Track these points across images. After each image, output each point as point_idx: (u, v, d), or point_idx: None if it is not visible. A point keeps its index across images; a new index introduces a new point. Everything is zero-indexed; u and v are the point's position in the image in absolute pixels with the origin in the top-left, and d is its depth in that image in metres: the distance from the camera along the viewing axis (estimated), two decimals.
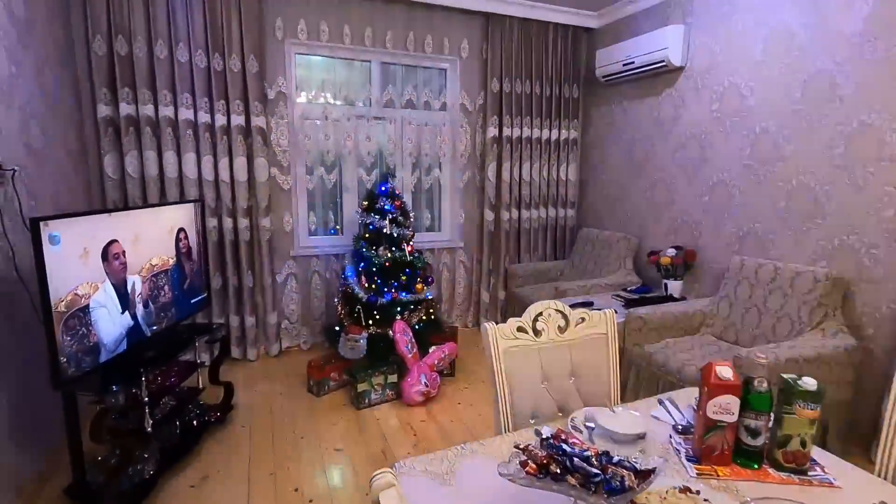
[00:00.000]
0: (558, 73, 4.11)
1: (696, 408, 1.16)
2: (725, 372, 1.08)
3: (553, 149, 4.22)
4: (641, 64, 3.47)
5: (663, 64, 3.33)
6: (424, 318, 3.18)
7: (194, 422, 2.43)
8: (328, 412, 2.79)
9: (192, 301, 2.56)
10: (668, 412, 1.33)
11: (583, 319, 1.42)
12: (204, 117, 3.14)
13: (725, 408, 1.07)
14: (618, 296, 3.36)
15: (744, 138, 2.96)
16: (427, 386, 2.85)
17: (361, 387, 2.79)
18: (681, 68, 3.36)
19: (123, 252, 2.05)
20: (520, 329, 1.35)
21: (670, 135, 3.50)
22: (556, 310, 1.39)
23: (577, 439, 0.94)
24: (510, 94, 3.95)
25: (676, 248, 3.35)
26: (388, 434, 2.56)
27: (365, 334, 2.96)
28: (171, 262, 2.39)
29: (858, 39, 2.37)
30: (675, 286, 3.29)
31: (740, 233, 3.02)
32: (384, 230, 3.05)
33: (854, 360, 2.35)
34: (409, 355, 2.89)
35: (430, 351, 3.09)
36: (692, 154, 3.33)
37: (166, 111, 3.04)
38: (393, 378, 2.90)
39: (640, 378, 2.77)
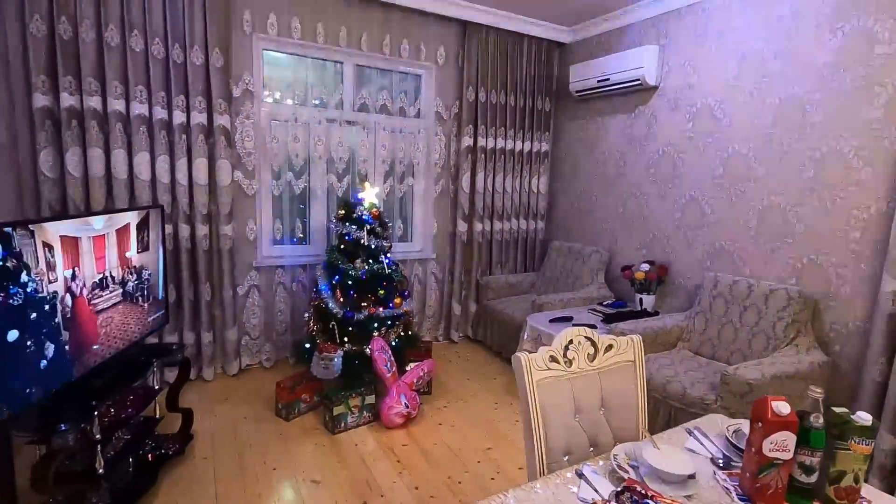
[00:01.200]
0: (532, 86, 4.12)
1: (746, 444, 1.11)
2: (783, 407, 1.03)
3: (525, 161, 4.21)
4: (616, 81, 3.53)
5: (638, 82, 3.39)
6: (402, 333, 3.03)
7: (149, 456, 2.15)
8: (300, 438, 2.57)
9: (151, 318, 2.28)
10: (701, 443, 1.28)
11: (610, 347, 1.35)
12: (160, 113, 2.84)
13: (782, 445, 1.03)
14: (594, 310, 3.36)
15: (717, 157, 3.07)
16: (407, 407, 2.70)
17: (337, 410, 2.60)
18: (655, 87, 3.44)
19: (73, 267, 1.77)
20: (552, 359, 1.26)
21: (643, 151, 3.58)
22: (586, 337, 1.32)
23: (654, 491, 0.86)
24: (485, 103, 3.90)
25: (649, 262, 3.41)
26: (369, 461, 2.39)
27: (340, 352, 2.77)
28: (126, 275, 2.11)
29: (828, 70, 2.51)
30: (648, 300, 3.35)
31: (712, 249, 3.12)
32: (362, 241, 2.88)
33: (825, 376, 2.46)
34: (389, 374, 2.73)
35: (409, 369, 2.94)
36: (665, 171, 3.41)
37: (116, 104, 2.72)
38: (370, 399, 2.73)
39: None
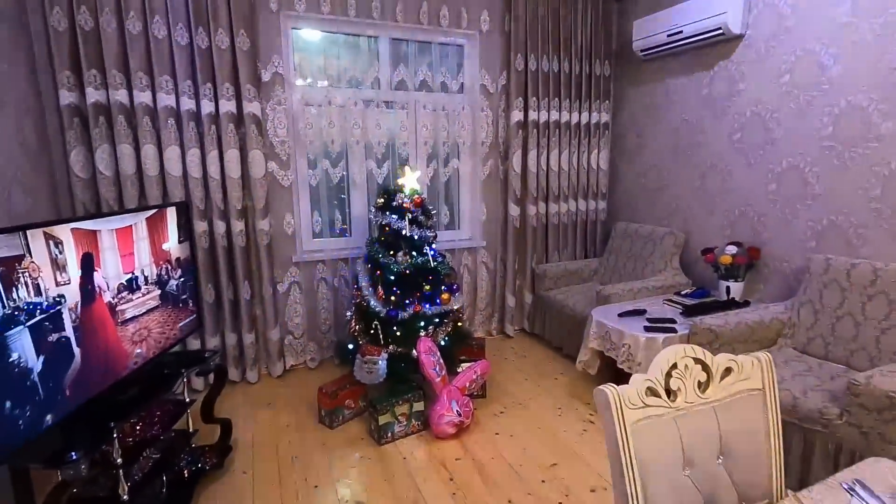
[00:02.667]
0: (588, 49, 3.65)
1: None
2: None
3: (583, 134, 3.77)
4: (691, 33, 3.01)
5: (720, 32, 2.87)
6: (451, 331, 2.75)
7: (185, 472, 2.00)
8: (344, 449, 2.36)
9: (181, 324, 2.12)
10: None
11: (729, 371, 0.99)
12: (188, 103, 2.67)
13: None
14: (670, 301, 2.93)
15: (824, 115, 2.52)
16: (460, 415, 2.42)
17: (383, 419, 2.37)
18: (740, 36, 2.90)
19: (94, 274, 1.60)
20: (650, 391, 0.91)
21: (726, 114, 3.05)
22: (695, 358, 0.96)
23: None
24: (536, 72, 3.49)
25: (736, 244, 2.92)
26: (419, 478, 2.14)
27: (384, 354, 2.53)
28: (154, 279, 1.94)
29: None
30: (736, 289, 2.87)
31: (818, 227, 2.59)
32: (403, 232, 2.60)
33: None
34: (438, 379, 2.46)
35: (460, 371, 2.66)
36: (754, 136, 2.89)
37: (143, 97, 2.57)
38: (419, 406, 2.48)
39: None
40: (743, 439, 0.98)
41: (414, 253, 2.65)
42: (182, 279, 2.15)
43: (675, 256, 3.30)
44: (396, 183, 2.74)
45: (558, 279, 3.66)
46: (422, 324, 2.63)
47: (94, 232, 1.67)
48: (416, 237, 2.63)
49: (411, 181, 2.72)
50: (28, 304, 1.39)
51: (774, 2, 2.70)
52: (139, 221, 1.90)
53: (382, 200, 2.70)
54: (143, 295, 1.89)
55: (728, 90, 3.02)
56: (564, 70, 3.58)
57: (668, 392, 0.94)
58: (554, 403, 2.76)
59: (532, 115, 3.53)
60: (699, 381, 0.97)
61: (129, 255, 1.82)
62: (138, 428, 1.78)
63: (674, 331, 2.49)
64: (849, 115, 2.42)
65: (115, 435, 1.55)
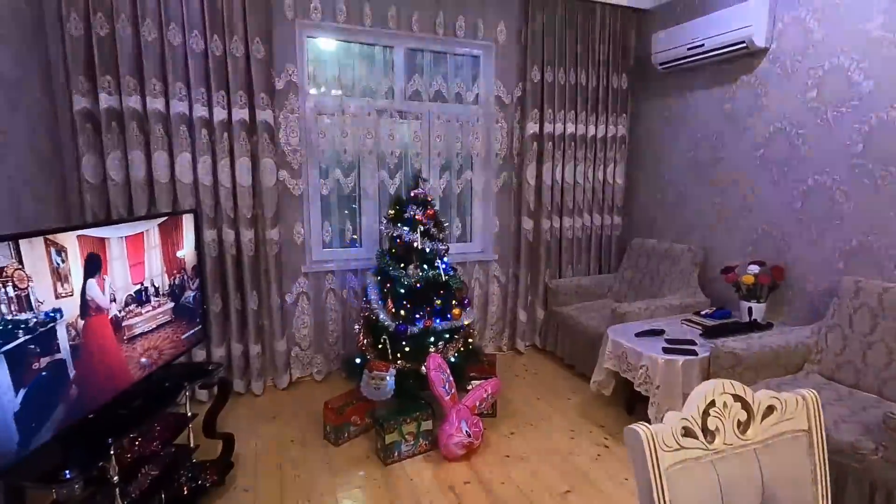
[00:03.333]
0: (606, 61, 3.59)
1: None
2: None
3: (599, 147, 3.70)
4: (714, 47, 2.94)
5: (744, 46, 2.80)
6: (462, 348, 2.67)
7: (185, 489, 1.94)
8: (350, 468, 2.28)
9: (185, 336, 2.06)
10: None
11: (771, 409, 0.90)
12: (200, 111, 2.65)
13: None
14: (689, 321, 2.82)
15: (854, 132, 2.43)
16: (469, 436, 2.33)
17: (390, 437, 2.29)
18: (764, 50, 2.82)
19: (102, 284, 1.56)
20: (686, 432, 0.83)
21: (748, 130, 2.97)
22: (734, 395, 0.88)
23: None
24: (552, 84, 3.44)
25: (758, 263, 2.82)
26: (426, 501, 2.05)
27: (393, 370, 2.45)
28: (166, 290, 1.89)
29: None
30: (758, 310, 2.76)
31: (847, 247, 2.49)
32: (415, 244, 2.54)
33: None
34: (447, 397, 2.38)
35: (470, 389, 2.58)
36: (778, 152, 2.80)
37: (156, 103, 2.56)
38: (427, 425, 2.40)
39: None
40: (787, 485, 0.90)
41: (425, 266, 2.59)
42: (194, 290, 2.10)
43: (694, 275, 3.20)
44: (410, 193, 2.67)
45: (572, 295, 3.57)
46: (431, 339, 2.56)
47: (103, 240, 1.62)
48: (427, 250, 2.57)
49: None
50: (8, 322, 1.29)
51: (801, 15, 2.63)
52: (151, 228, 1.86)
53: (394, 212, 2.64)
54: (154, 308, 1.84)
55: (751, 105, 2.94)
56: (581, 82, 3.53)
57: (706, 432, 0.85)
58: (567, 425, 2.66)
59: (547, 128, 3.47)
60: (739, 421, 0.88)
61: (140, 264, 1.77)
62: (137, 444, 1.72)
63: (694, 353, 2.39)
64: (881, 133, 2.32)
65: (112, 452, 1.49)
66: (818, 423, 0.92)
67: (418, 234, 2.55)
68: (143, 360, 1.78)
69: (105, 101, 2.47)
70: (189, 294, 2.04)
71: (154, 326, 1.84)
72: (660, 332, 2.64)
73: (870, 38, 2.34)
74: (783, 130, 2.77)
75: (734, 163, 3.07)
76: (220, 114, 2.68)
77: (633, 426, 0.81)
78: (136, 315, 1.75)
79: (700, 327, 2.71)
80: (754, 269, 2.78)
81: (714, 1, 3.09)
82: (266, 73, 2.76)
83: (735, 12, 2.80)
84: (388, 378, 2.44)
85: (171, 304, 1.96)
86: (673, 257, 3.27)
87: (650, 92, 3.68)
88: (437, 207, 2.76)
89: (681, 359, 2.34)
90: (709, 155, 3.24)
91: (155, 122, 2.56)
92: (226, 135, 2.72)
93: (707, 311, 2.85)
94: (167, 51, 2.54)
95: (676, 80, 3.43)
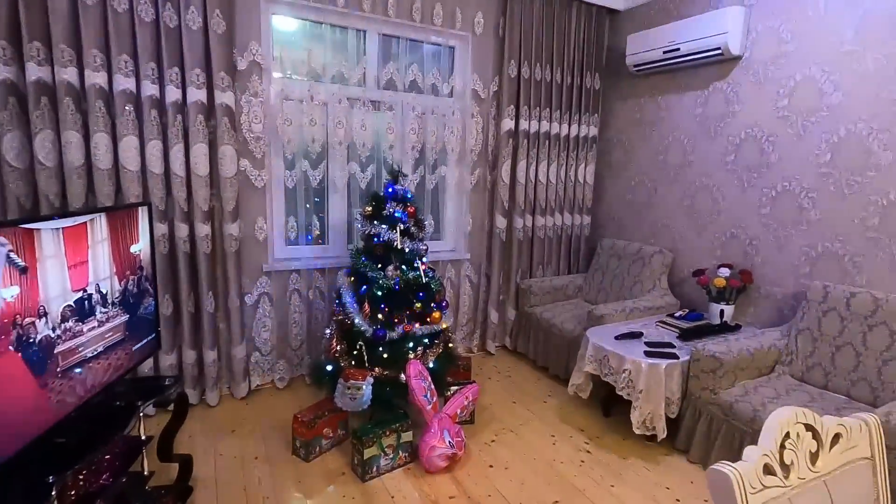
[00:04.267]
0: (580, 60, 3.56)
1: None
2: None
3: (572, 146, 3.68)
4: (689, 52, 2.97)
5: (719, 52, 2.84)
6: (441, 353, 2.55)
7: None
8: (323, 486, 2.10)
9: (136, 347, 1.80)
10: None
11: (837, 437, 0.85)
12: (150, 89, 2.34)
13: None
14: (664, 323, 2.85)
15: (822, 142, 2.52)
16: (452, 446, 2.22)
17: (369, 452, 2.13)
18: (737, 58, 2.88)
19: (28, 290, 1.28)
20: (766, 470, 0.75)
21: (719, 135, 3.03)
22: (806, 425, 0.81)
23: None
24: (529, 80, 3.36)
25: (727, 266, 2.89)
26: None
27: (370, 379, 2.29)
28: (110, 296, 1.62)
29: None
30: (727, 312, 2.83)
31: (813, 252, 2.59)
32: (395, 244, 2.38)
33: None
34: (429, 406, 2.25)
35: (449, 396, 2.47)
36: (748, 158, 2.87)
37: (96, 78, 2.22)
38: (407, 436, 2.26)
39: (712, 435, 2.26)
40: None
41: (404, 267, 2.43)
42: (152, 296, 1.83)
43: (664, 276, 3.25)
44: (389, 189, 2.50)
45: (543, 295, 3.54)
46: (411, 345, 2.41)
47: (31, 232, 1.33)
48: (407, 250, 2.41)
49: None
50: None
51: (775, 26, 2.70)
52: (96, 217, 1.58)
53: (371, 208, 2.46)
54: (101, 323, 1.57)
55: (722, 111, 3.00)
56: (556, 80, 3.48)
57: (783, 467, 0.78)
58: (547, 430, 2.60)
59: (523, 125, 3.39)
60: (810, 452, 0.82)
61: (82, 264, 1.50)
62: (83, 477, 1.46)
63: (675, 356, 2.40)
64: (848, 144, 2.42)
65: (53, 492, 1.24)
66: (881, 449, 0.87)
67: (398, 233, 2.39)
68: (85, 384, 1.52)
69: (33, 72, 2.11)
70: (148, 303, 1.77)
71: (101, 349, 1.57)
72: (638, 335, 2.64)
73: (840, 51, 2.43)
74: (754, 137, 2.84)
75: (704, 167, 3.13)
76: (173, 93, 2.38)
77: (719, 467, 0.72)
78: (74, 336, 1.47)
79: (675, 329, 2.74)
80: (725, 272, 2.84)
81: (689, 6, 3.13)
82: (227, 51, 2.49)
83: (712, 18, 2.83)
84: (364, 387, 2.27)
85: (125, 317, 1.68)
86: (644, 259, 3.30)
87: (622, 93, 3.69)
88: (417, 205, 2.60)
89: (664, 362, 2.34)
90: (679, 158, 3.29)
91: (95, 99, 2.23)
92: (179, 117, 2.42)
93: (680, 313, 2.90)
94: (111, 17, 2.21)
95: (649, 82, 3.46)
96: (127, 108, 2.30)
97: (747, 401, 2.15)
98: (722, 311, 2.79)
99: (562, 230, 3.76)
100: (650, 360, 2.35)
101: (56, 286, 1.40)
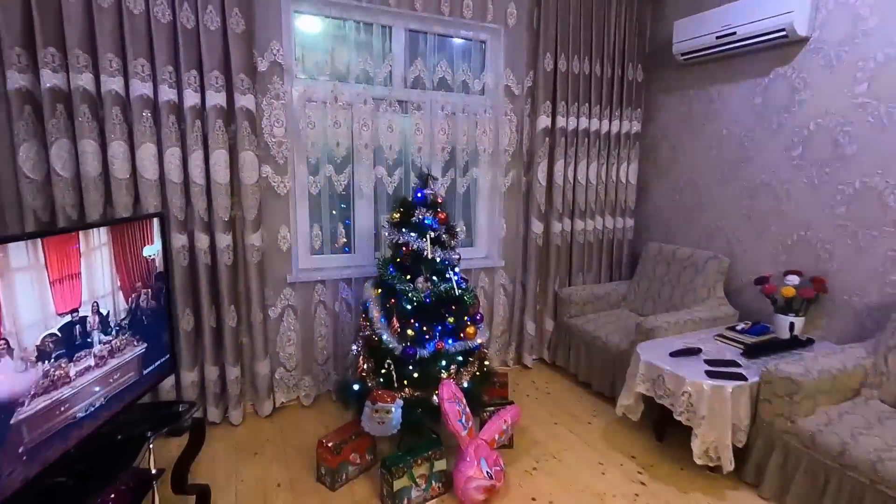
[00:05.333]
0: (620, 51, 3.30)
1: None
2: None
3: (612, 144, 3.41)
4: (746, 35, 2.68)
5: (783, 34, 2.54)
6: (477, 372, 2.34)
7: None
8: None
9: (147, 371, 1.66)
10: None
11: None
12: (168, 93, 2.23)
13: None
14: (722, 337, 2.56)
15: None
16: (491, 477, 2.00)
17: (399, 483, 1.94)
18: (804, 40, 2.58)
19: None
20: None
21: (782, 127, 2.72)
22: None
23: None
24: (566, 73, 3.13)
25: (795, 273, 2.57)
26: None
27: (399, 402, 2.10)
28: (113, 317, 1.49)
29: None
30: (798, 325, 2.52)
31: None
32: (424, 253, 2.19)
33: None
34: (464, 432, 2.04)
35: (487, 419, 2.26)
36: (819, 151, 2.56)
37: (112, 83, 2.12)
38: (441, 464, 2.06)
39: (789, 468, 1.97)
40: None
41: (435, 278, 2.24)
42: (157, 313, 1.70)
43: (720, 284, 2.95)
44: (419, 194, 2.31)
45: (584, 305, 3.28)
46: (443, 363, 2.21)
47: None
48: (438, 259, 2.22)
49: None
50: None
51: (849, 1, 2.38)
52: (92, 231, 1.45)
53: (399, 215, 2.28)
54: (101, 359, 1.40)
55: (786, 100, 2.69)
56: (595, 73, 3.23)
57: None
58: (594, 457, 2.36)
59: (560, 122, 3.16)
60: None
61: (72, 278, 1.34)
62: None
63: (741, 377, 2.11)
64: None
65: None
66: None
67: (428, 242, 2.20)
68: (84, 416, 1.38)
69: (48, 78, 2.03)
70: (161, 321, 1.63)
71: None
72: (696, 351, 2.36)
73: None
74: (825, 128, 2.52)
75: (764, 162, 2.83)
76: (191, 97, 2.27)
77: None
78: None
79: (738, 345, 2.45)
80: (794, 279, 2.54)
81: None
82: (246, 51, 2.36)
83: None
84: (394, 410, 2.08)
85: (141, 347, 1.53)
86: (696, 265, 3.01)
87: (667, 85, 3.41)
88: (448, 210, 2.40)
89: (729, 384, 2.06)
90: (735, 154, 2.99)
91: (111, 106, 2.13)
92: (198, 122, 2.31)
93: (743, 325, 2.59)
94: (126, 20, 2.11)
95: (699, 71, 3.17)
96: (144, 113, 2.19)
97: (833, 431, 1.86)
98: (792, 324, 2.49)
99: (603, 234, 3.50)
100: (713, 382, 2.08)
101: (31, 309, 1.16)
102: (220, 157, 2.35)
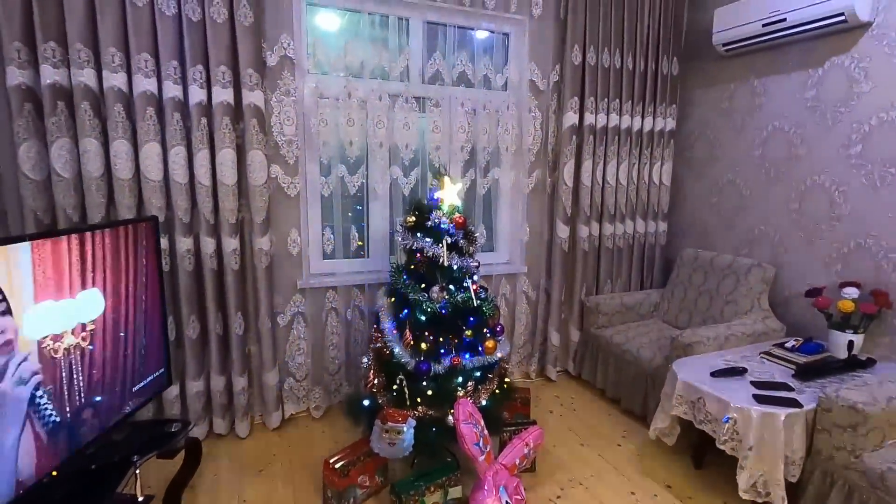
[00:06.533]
0: (654, 42, 3.07)
1: None
2: None
3: (645, 143, 3.19)
4: (798, 22, 2.43)
5: (842, 19, 2.29)
6: (496, 389, 2.16)
7: None
8: None
9: (136, 388, 1.54)
10: None
11: None
12: (173, 90, 2.12)
13: None
14: (769, 354, 2.32)
15: None
16: None
17: None
18: (865, 25, 2.32)
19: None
20: None
21: (839, 122, 2.46)
22: None
23: None
24: (595, 67, 2.92)
25: (853, 284, 2.31)
26: None
27: (412, 421, 1.93)
28: (101, 325, 1.37)
29: None
30: (857, 343, 2.26)
31: None
32: (440, 260, 2.02)
33: None
34: (482, 457, 1.86)
35: (507, 441, 2.07)
36: (882, 150, 2.29)
37: (115, 79, 2.02)
38: (456, 491, 1.89)
39: None
40: None
41: (452, 287, 2.07)
42: (149, 323, 1.58)
43: (764, 295, 2.69)
44: (434, 196, 2.15)
45: (613, 315, 3.07)
46: (460, 380, 2.04)
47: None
48: (455, 267, 2.05)
49: (451, 195, 2.13)
50: None
51: None
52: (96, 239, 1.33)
53: (414, 219, 2.12)
54: (84, 374, 1.30)
55: (844, 93, 2.43)
56: (627, 66, 3.01)
57: None
58: (625, 485, 2.15)
59: (588, 119, 2.95)
60: None
61: (56, 286, 1.24)
62: None
63: (796, 403, 1.88)
64: None
65: None
66: None
67: (444, 248, 2.03)
68: (59, 446, 1.26)
69: (49, 74, 1.94)
70: (156, 331, 1.51)
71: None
72: (741, 371, 2.13)
73: None
74: (890, 123, 2.26)
75: (817, 162, 2.56)
76: (197, 94, 2.15)
77: None
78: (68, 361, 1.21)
79: (789, 365, 2.20)
80: (852, 292, 2.28)
81: None
82: (255, 45, 2.24)
83: None
84: (406, 430, 1.92)
85: (130, 363, 1.42)
86: (738, 273, 2.76)
87: (705, 78, 3.16)
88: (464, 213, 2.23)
89: (782, 411, 1.83)
90: (782, 152, 2.73)
91: (113, 103, 2.03)
92: (204, 120, 2.19)
93: (793, 342, 2.34)
94: (129, 13, 2.00)
95: (741, 63, 2.92)
96: (148, 111, 2.09)
97: None
98: (851, 343, 2.23)
99: (633, 239, 3.27)
100: (763, 408, 1.85)
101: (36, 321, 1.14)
102: (227, 157, 2.23)
